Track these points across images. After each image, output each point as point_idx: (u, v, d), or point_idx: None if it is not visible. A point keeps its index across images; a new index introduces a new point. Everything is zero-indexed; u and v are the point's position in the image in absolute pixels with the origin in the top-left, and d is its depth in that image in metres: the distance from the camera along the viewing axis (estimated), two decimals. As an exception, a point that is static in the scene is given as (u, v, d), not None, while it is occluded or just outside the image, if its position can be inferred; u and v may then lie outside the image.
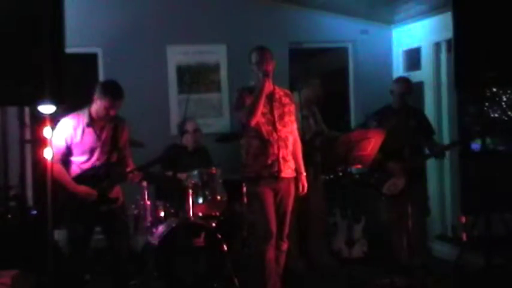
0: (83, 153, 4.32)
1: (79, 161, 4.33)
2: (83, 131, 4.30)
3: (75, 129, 4.30)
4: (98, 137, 4.33)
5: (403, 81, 5.48)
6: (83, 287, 4.57)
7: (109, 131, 4.38)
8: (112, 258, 4.49)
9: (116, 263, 4.46)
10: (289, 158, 4.51)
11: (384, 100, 5.52)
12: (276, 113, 4.45)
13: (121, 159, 4.49)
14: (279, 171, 4.42)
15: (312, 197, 5.49)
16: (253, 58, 4.45)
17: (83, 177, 4.32)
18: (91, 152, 4.33)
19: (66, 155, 4.31)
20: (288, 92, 4.68)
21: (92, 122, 4.31)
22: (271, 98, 4.46)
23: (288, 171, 4.49)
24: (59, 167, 4.22)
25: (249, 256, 4.72)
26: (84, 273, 4.57)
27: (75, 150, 4.32)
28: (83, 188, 4.27)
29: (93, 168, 4.34)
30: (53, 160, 4.01)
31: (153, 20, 6.42)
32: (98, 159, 4.34)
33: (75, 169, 4.34)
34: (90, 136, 4.31)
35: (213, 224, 5.13)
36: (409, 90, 5.33)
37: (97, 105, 4.28)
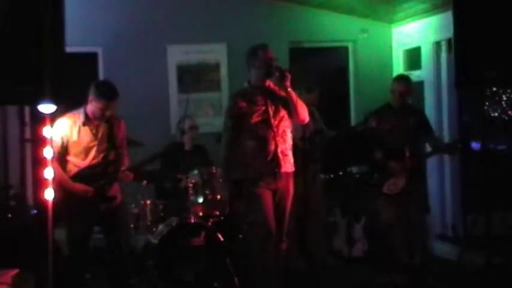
0: (79, 153, 4.33)
1: (76, 160, 4.34)
2: (79, 131, 4.32)
3: (71, 128, 4.32)
4: (94, 136, 4.34)
5: (403, 80, 5.48)
6: (83, 287, 4.57)
7: (105, 130, 4.38)
8: (112, 257, 4.49)
9: (115, 262, 4.46)
10: (288, 152, 4.50)
11: (384, 99, 5.52)
12: (271, 109, 4.45)
13: (118, 157, 4.49)
14: (279, 166, 4.42)
15: (312, 196, 5.49)
16: (261, 55, 4.42)
17: (80, 175, 4.33)
18: (88, 151, 4.34)
19: (63, 154, 4.33)
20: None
21: (87, 122, 4.33)
22: (265, 94, 4.46)
23: (287, 165, 4.48)
24: (55, 166, 4.22)
25: (249, 256, 4.72)
26: (84, 272, 4.57)
27: (71, 150, 4.33)
28: (79, 186, 4.29)
29: (90, 167, 4.34)
30: (56, 160, 4.08)
31: (153, 19, 6.42)
32: (94, 158, 4.35)
33: (72, 168, 4.35)
34: (86, 135, 4.33)
35: (213, 224, 5.13)
36: (409, 89, 5.33)
37: (92, 106, 4.30)
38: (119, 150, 4.49)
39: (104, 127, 4.37)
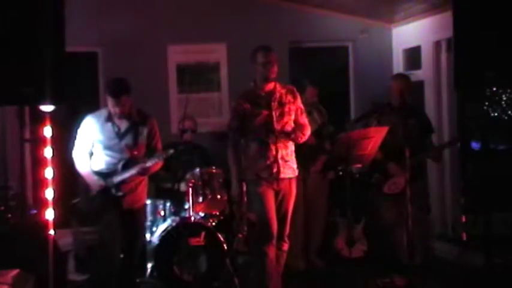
0: (103, 149, 4.44)
1: (100, 156, 4.45)
2: (102, 128, 4.43)
3: (95, 126, 4.44)
4: (116, 133, 4.43)
5: (401, 77, 5.47)
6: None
7: (127, 127, 4.45)
8: (123, 258, 4.49)
9: (125, 263, 4.48)
10: (290, 157, 4.48)
11: (384, 99, 5.52)
12: (275, 114, 4.43)
13: (142, 156, 4.49)
14: (278, 172, 4.40)
15: (318, 196, 5.50)
16: (259, 58, 4.41)
17: (101, 171, 4.43)
18: (109, 148, 4.43)
19: (91, 149, 4.47)
20: (291, 87, 4.61)
21: (109, 119, 4.44)
22: (270, 98, 4.45)
23: (288, 171, 4.46)
24: (80, 161, 4.46)
25: (249, 256, 4.72)
26: (114, 270, 4.55)
27: (96, 146, 4.45)
28: (87, 177, 4.42)
29: (110, 164, 4.42)
30: (76, 155, 4.43)
31: (153, 19, 6.42)
32: (115, 155, 4.42)
33: (100, 163, 4.46)
34: (108, 133, 4.43)
35: (213, 223, 5.14)
36: (408, 86, 5.30)
37: (108, 105, 4.42)
38: (145, 148, 4.51)
39: (126, 124, 4.44)
